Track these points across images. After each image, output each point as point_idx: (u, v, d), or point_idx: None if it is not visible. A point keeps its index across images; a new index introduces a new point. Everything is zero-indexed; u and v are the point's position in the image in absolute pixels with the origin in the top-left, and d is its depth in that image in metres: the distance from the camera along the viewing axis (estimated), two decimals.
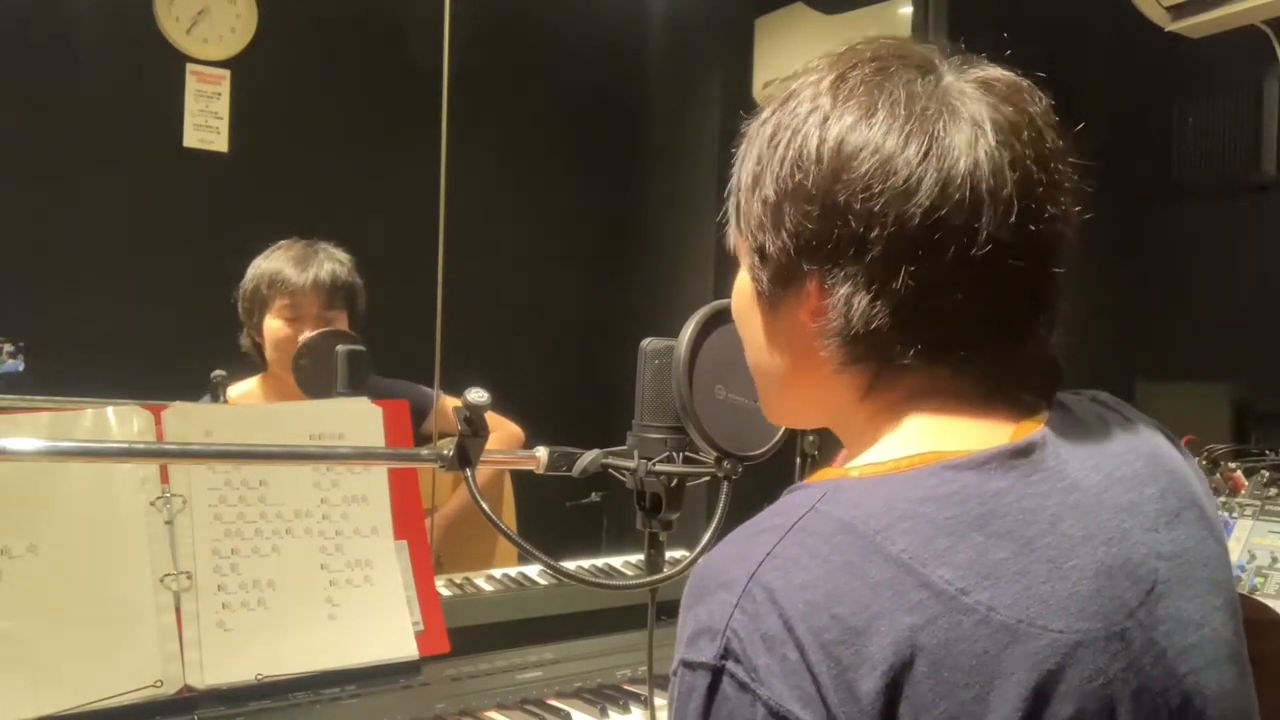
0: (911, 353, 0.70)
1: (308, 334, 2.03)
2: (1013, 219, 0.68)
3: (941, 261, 0.68)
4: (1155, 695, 0.66)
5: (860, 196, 0.68)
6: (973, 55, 0.75)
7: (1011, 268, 0.69)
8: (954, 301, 0.69)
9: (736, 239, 0.80)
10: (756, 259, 0.76)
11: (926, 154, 0.68)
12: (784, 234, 0.72)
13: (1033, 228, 0.69)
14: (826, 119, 0.71)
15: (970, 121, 0.69)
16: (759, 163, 0.75)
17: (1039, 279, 0.72)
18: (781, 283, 0.75)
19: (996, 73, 0.74)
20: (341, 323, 2.12)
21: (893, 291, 0.68)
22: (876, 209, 0.68)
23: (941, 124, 0.69)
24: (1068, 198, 0.72)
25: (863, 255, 0.69)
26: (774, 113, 0.76)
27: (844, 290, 0.70)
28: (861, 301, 0.69)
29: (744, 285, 0.80)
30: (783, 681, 0.60)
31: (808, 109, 0.73)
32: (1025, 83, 0.74)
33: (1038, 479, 0.68)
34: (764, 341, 0.80)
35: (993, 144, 0.68)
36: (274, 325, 2.10)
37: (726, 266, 0.84)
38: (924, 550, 0.62)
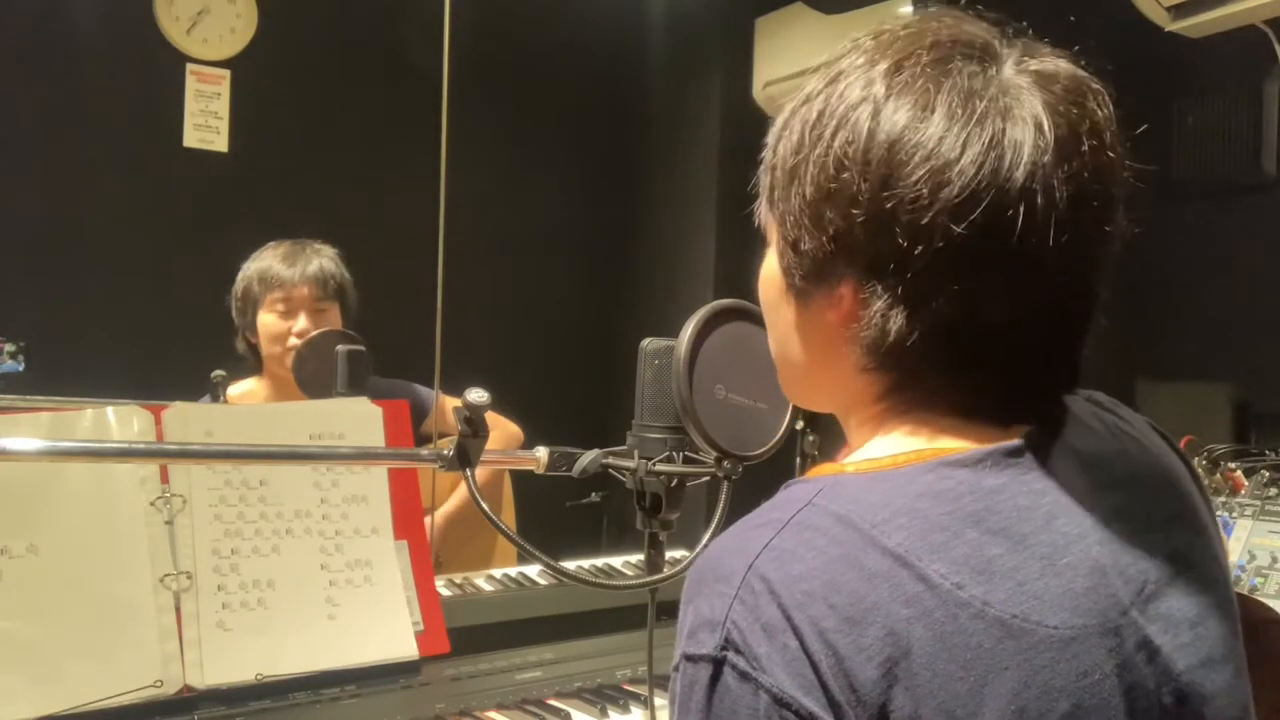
0: (938, 366, 0.69)
1: (306, 329, 2.04)
2: (1065, 238, 0.64)
3: (984, 282, 0.65)
4: (1149, 693, 0.66)
5: (908, 208, 0.64)
6: (1034, 40, 0.71)
7: (1056, 292, 0.66)
8: (992, 323, 0.66)
9: (767, 219, 0.75)
10: (791, 253, 0.72)
11: (981, 166, 0.64)
12: (824, 236, 0.68)
13: (1083, 251, 0.66)
14: (878, 111, 0.66)
15: (1029, 127, 0.65)
16: (799, 151, 0.70)
17: (1082, 300, 0.69)
18: (814, 280, 0.71)
19: (1061, 66, 0.69)
20: (334, 314, 2.13)
21: (931, 310, 0.65)
22: (924, 222, 0.64)
23: (1000, 128, 0.64)
24: (1119, 211, 0.69)
25: (905, 270, 0.65)
26: (821, 91, 0.70)
27: (880, 304, 0.67)
28: (898, 318, 0.66)
29: (772, 275, 0.76)
30: (784, 670, 0.60)
31: (858, 96, 0.68)
32: (1091, 84, 0.69)
33: (1032, 478, 0.68)
34: (791, 334, 0.77)
35: (1050, 156, 0.64)
36: (267, 320, 2.10)
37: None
38: (920, 545, 0.63)
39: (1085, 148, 0.66)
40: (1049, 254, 0.64)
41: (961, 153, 0.64)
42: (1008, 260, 0.64)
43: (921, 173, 0.64)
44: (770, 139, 0.75)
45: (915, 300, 0.66)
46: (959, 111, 0.65)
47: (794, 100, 0.73)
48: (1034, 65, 0.68)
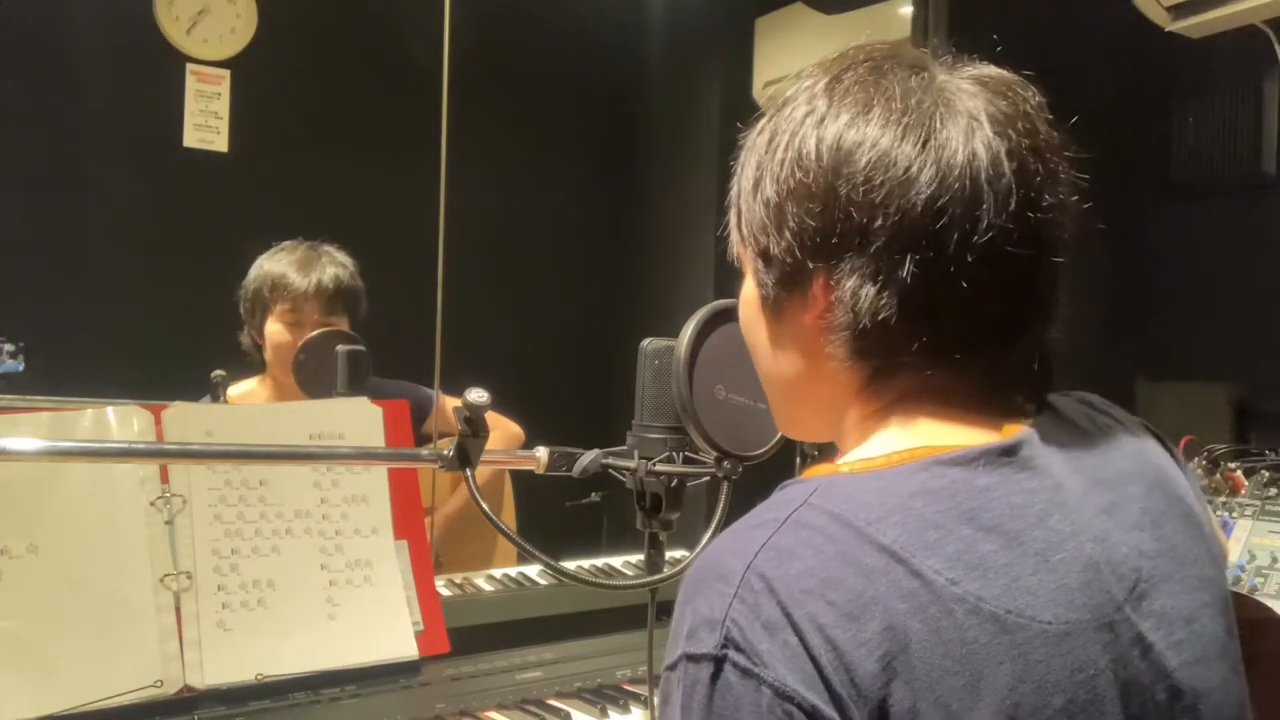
0: (915, 348, 0.71)
1: (308, 334, 2.03)
2: (1012, 207, 0.69)
3: (945, 249, 0.68)
4: (1143, 689, 0.67)
5: (861, 189, 0.69)
6: (964, 55, 0.76)
7: (1013, 257, 0.69)
8: (958, 292, 0.69)
9: (740, 247, 0.80)
10: (760, 263, 0.76)
11: (925, 146, 0.69)
12: (787, 233, 0.73)
13: (1032, 216, 0.70)
14: (823, 119, 0.72)
15: (966, 115, 0.70)
16: (758, 168, 0.76)
17: (1039, 270, 0.72)
18: (787, 285, 0.75)
19: (989, 70, 0.75)
20: (342, 327, 2.11)
21: (899, 280, 0.69)
22: (878, 199, 0.69)
23: (938, 117, 0.70)
24: (1065, 189, 0.73)
25: (867, 246, 0.69)
26: (770, 119, 0.77)
27: (850, 284, 0.70)
28: (869, 293, 0.70)
29: (749, 295, 0.81)
30: (786, 665, 0.61)
31: (804, 112, 0.74)
32: (1017, 78, 0.75)
33: (1024, 476, 0.69)
34: (771, 349, 0.80)
35: (989, 134, 0.70)
36: (274, 329, 2.10)
37: (727, 266, 0.84)
38: (914, 542, 0.64)
39: (1021, 128, 0.71)
40: (1001, 224, 0.68)
41: (903, 139, 0.70)
42: (963, 230, 0.68)
43: (868, 159, 0.70)
44: (734, 179, 0.80)
45: (882, 273, 0.69)
46: (896, 107, 0.71)
47: (749, 136, 0.79)
48: (967, 71, 0.74)
